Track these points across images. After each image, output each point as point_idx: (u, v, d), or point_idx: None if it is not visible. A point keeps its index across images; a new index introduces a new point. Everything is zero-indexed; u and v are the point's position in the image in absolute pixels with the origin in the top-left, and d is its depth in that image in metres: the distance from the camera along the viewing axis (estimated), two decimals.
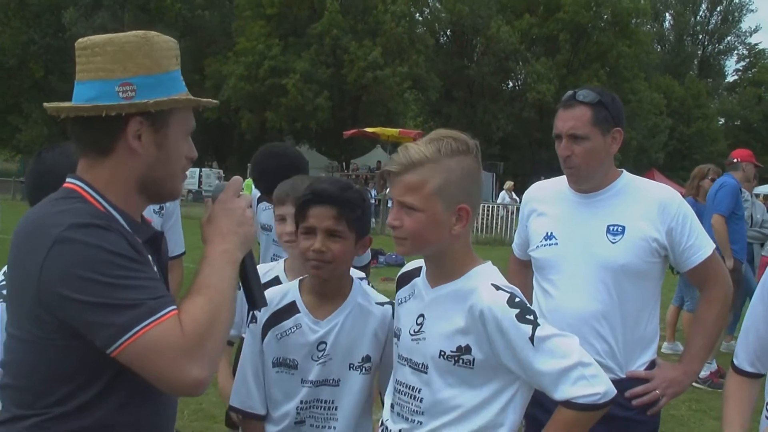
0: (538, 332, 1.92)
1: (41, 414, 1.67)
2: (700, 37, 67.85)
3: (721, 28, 66.56)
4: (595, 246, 2.71)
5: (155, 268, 1.78)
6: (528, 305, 1.99)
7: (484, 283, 2.00)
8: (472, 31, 47.01)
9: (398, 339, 2.22)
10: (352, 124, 37.04)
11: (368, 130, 32.27)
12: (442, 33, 50.68)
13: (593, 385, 1.91)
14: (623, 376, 2.70)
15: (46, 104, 1.82)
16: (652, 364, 2.78)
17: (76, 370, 1.66)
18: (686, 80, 57.97)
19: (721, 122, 60.95)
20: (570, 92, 2.87)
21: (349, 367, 2.48)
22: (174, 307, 1.63)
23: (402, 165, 2.01)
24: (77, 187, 1.76)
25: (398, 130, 33.13)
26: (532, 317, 1.95)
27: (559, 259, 2.85)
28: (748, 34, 68.91)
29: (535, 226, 2.98)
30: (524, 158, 48.22)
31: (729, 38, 67.21)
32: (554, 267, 2.86)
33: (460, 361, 2.01)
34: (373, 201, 28.22)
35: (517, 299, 1.97)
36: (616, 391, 1.96)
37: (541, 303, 2.90)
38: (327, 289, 2.48)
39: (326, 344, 2.45)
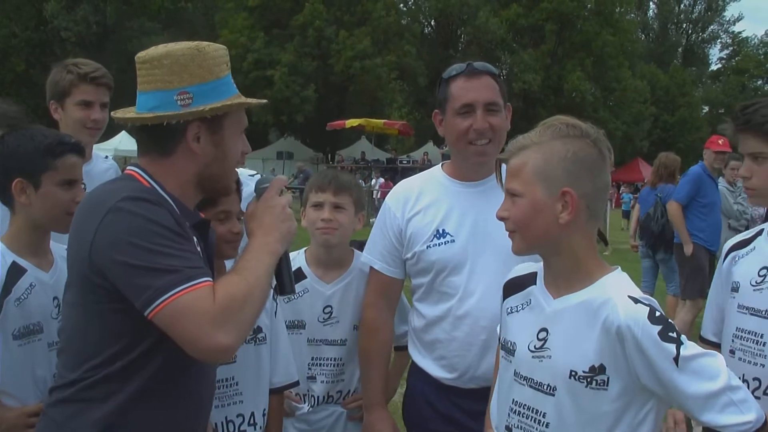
0: (683, 352, 1.74)
1: (88, 376, 1.85)
2: (684, 25, 68.06)
3: (704, 17, 66.79)
4: (500, 237, 2.18)
5: (200, 251, 1.94)
6: (669, 320, 1.79)
7: (620, 295, 1.82)
8: (458, 21, 46.91)
9: (512, 354, 2.03)
10: (337, 115, 36.92)
11: (353, 121, 32.18)
12: (426, 23, 50.55)
13: (743, 413, 1.74)
14: None
15: (113, 113, 2.03)
16: None
17: (120, 333, 1.84)
18: (670, 69, 58.12)
19: (705, 110, 61.20)
20: (463, 64, 2.65)
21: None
22: (210, 278, 1.78)
23: (509, 151, 1.97)
24: (135, 173, 1.96)
25: (383, 120, 33.03)
26: (675, 334, 1.76)
27: (460, 258, 2.57)
28: (731, 22, 69.02)
29: (418, 226, 2.66)
30: None
31: (713, 27, 67.54)
32: (456, 267, 2.58)
33: (594, 382, 1.82)
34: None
35: (657, 314, 1.78)
36: (765, 417, 1.78)
37: (435, 310, 2.63)
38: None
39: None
